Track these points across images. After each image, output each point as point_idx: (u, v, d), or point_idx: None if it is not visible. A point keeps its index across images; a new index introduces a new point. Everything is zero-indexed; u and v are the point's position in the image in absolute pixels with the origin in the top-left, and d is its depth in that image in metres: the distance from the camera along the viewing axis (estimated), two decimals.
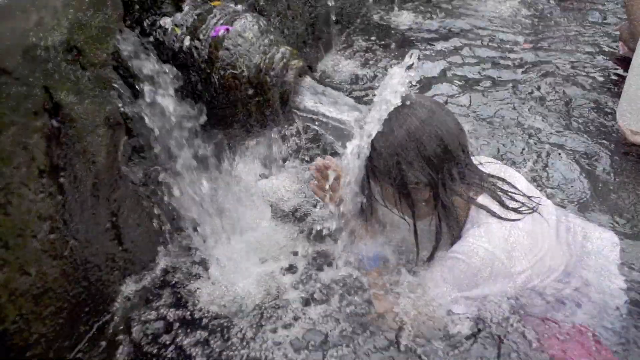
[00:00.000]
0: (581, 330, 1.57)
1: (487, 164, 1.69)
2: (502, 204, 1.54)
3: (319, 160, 1.84)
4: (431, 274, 1.62)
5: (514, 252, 1.51)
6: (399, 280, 1.73)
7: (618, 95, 2.61)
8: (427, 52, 3.49)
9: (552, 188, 2.27)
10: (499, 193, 1.56)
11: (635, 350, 1.54)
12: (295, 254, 1.99)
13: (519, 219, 1.53)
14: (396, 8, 4.10)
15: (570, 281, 1.61)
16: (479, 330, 1.59)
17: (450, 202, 1.54)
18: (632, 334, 1.57)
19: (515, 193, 1.58)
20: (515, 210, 1.54)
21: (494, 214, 1.52)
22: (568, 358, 1.52)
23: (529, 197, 1.60)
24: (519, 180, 1.67)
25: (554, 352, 1.54)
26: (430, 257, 1.66)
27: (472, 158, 1.64)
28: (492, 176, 1.61)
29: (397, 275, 1.75)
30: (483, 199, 1.54)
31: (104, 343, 1.64)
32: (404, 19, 3.99)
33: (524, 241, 1.52)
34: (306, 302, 1.77)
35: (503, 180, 1.61)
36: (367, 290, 1.75)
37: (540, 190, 1.99)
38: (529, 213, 1.56)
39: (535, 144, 2.57)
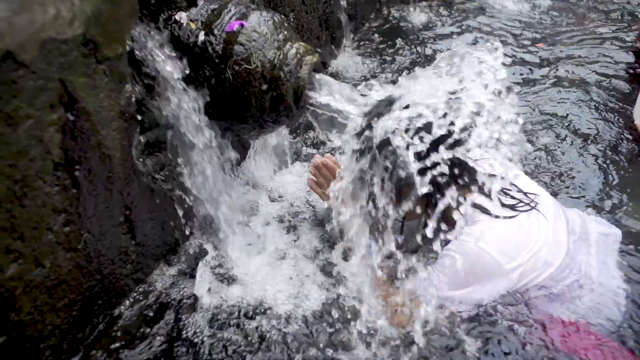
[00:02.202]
0: (583, 325, 1.58)
1: (482, 160, 1.68)
2: (496, 201, 1.54)
3: (317, 158, 1.84)
4: (426, 272, 1.62)
5: (508, 249, 1.52)
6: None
7: (635, 95, 2.58)
8: (441, 50, 3.47)
9: (563, 182, 2.26)
10: (493, 190, 1.55)
11: (636, 343, 1.54)
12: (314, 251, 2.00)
13: (513, 216, 1.53)
14: (411, 5, 4.07)
15: (569, 275, 1.60)
16: (476, 328, 1.60)
17: (442, 202, 1.53)
18: (632, 326, 1.57)
19: (511, 190, 1.58)
20: (510, 207, 1.54)
21: (487, 212, 1.52)
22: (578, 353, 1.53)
23: (525, 193, 1.59)
24: (514, 174, 1.66)
25: (559, 347, 1.54)
26: (414, 252, 1.66)
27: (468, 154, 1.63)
28: (488, 174, 1.60)
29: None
30: (477, 198, 1.54)
31: (116, 336, 1.64)
32: (419, 16, 3.96)
33: (518, 237, 1.53)
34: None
35: (499, 177, 1.61)
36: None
37: (547, 186, 1.98)
38: (526, 211, 1.56)
39: (548, 140, 2.55)
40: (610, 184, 2.24)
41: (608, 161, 2.38)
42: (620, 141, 2.51)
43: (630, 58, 3.20)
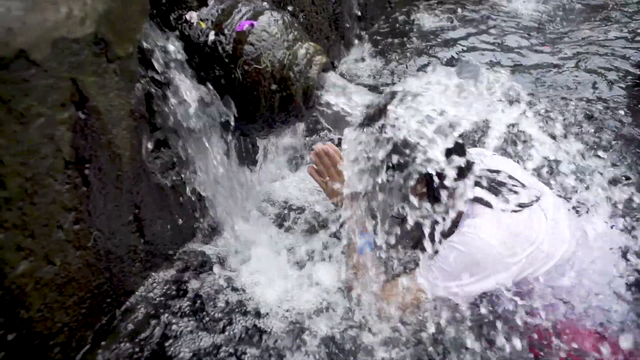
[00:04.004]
0: (582, 319, 1.58)
1: (484, 156, 1.69)
2: (498, 195, 1.56)
3: (318, 145, 1.84)
4: (427, 264, 1.63)
5: (510, 242, 1.53)
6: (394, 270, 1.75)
7: None
8: (449, 52, 3.46)
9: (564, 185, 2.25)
10: (495, 185, 1.57)
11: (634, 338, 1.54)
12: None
13: (515, 210, 1.55)
14: (421, 6, 4.06)
15: (570, 269, 1.61)
16: (476, 319, 1.60)
17: (444, 197, 1.54)
18: (632, 321, 1.58)
19: (512, 184, 1.60)
20: (512, 201, 1.56)
21: (489, 206, 1.54)
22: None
23: (527, 188, 1.62)
24: (516, 171, 1.69)
25: (559, 339, 1.55)
26: (415, 247, 1.66)
27: (470, 150, 1.64)
28: (489, 170, 1.61)
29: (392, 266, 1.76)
30: (479, 192, 1.55)
31: (124, 334, 1.65)
32: (428, 17, 3.96)
33: (520, 230, 1.55)
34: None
35: (500, 172, 1.62)
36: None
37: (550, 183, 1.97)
38: (527, 205, 1.57)
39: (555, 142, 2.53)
40: (613, 187, 2.23)
41: (609, 164, 2.37)
42: (629, 145, 2.49)
43: (636, 62, 3.17)
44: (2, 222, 1.24)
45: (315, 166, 1.88)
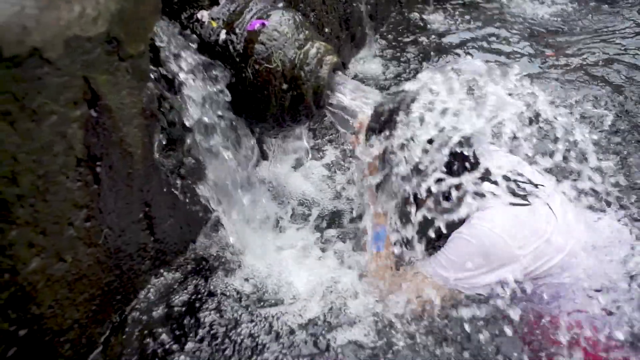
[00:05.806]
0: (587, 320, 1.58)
1: (494, 153, 1.70)
2: (506, 190, 1.58)
3: (363, 115, 1.84)
4: (436, 255, 1.64)
5: (519, 235, 1.55)
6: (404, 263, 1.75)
7: None
8: (459, 51, 3.45)
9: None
10: (503, 180, 1.59)
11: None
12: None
13: (524, 204, 1.57)
14: (431, 7, 4.04)
15: (576, 266, 1.61)
16: (481, 312, 1.61)
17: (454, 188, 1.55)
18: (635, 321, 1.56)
19: (518, 180, 1.62)
20: (520, 195, 1.59)
21: (498, 199, 1.56)
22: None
23: (535, 184, 1.64)
24: (525, 167, 1.71)
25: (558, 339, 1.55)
26: (422, 239, 1.67)
27: (481, 148, 1.65)
28: (499, 167, 1.62)
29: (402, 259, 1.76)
30: (488, 186, 1.57)
31: (132, 332, 1.66)
32: (438, 17, 3.94)
33: (529, 224, 1.57)
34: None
35: (510, 168, 1.65)
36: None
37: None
38: (536, 200, 1.59)
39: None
40: (621, 188, 2.21)
41: (614, 166, 2.36)
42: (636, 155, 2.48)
43: None
44: (15, 219, 1.25)
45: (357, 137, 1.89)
